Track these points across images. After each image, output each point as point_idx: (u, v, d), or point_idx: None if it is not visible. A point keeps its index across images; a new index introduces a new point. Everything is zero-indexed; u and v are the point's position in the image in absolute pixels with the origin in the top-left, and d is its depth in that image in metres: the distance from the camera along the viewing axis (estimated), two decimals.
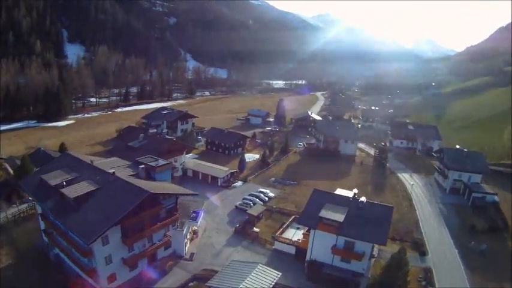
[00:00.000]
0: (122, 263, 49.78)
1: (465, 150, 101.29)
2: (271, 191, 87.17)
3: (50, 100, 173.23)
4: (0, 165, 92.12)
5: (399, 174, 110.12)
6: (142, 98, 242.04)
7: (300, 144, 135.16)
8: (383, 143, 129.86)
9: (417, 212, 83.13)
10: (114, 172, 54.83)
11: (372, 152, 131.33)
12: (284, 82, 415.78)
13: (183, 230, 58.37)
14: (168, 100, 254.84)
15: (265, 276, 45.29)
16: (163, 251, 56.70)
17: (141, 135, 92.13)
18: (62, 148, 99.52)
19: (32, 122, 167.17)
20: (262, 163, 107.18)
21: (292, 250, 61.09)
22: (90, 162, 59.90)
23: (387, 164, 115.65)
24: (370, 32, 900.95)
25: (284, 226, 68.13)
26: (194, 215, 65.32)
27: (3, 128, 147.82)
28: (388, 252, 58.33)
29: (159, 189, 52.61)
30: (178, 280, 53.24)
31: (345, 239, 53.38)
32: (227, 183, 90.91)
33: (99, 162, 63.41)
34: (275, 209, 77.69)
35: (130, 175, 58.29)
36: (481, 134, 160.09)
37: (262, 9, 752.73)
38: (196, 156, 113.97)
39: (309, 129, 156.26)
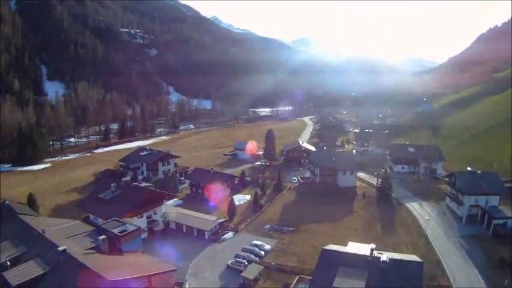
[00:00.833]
0: None
1: (478, 172, 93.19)
2: (267, 242, 74.60)
3: (24, 142, 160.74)
4: None
5: (407, 204, 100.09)
6: (123, 135, 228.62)
7: (294, 179, 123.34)
8: (384, 170, 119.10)
9: (436, 250, 73.04)
10: (65, 250, 42.44)
11: (372, 180, 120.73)
12: (270, 109, 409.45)
13: None
14: (151, 137, 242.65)
15: None
16: None
17: (113, 184, 79.35)
18: (30, 199, 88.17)
19: (7, 166, 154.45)
20: (255, 206, 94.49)
21: None
22: (41, 232, 48.64)
23: (392, 194, 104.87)
24: (350, 52, 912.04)
25: None
26: None
27: None
28: None
29: (122, 273, 40.18)
30: None
31: None
32: (216, 235, 78.05)
33: (55, 228, 52.56)
34: (274, 266, 65.27)
35: (89, 248, 46.38)
36: (483, 148, 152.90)
37: (243, 36, 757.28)
38: (180, 202, 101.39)
39: (302, 160, 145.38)
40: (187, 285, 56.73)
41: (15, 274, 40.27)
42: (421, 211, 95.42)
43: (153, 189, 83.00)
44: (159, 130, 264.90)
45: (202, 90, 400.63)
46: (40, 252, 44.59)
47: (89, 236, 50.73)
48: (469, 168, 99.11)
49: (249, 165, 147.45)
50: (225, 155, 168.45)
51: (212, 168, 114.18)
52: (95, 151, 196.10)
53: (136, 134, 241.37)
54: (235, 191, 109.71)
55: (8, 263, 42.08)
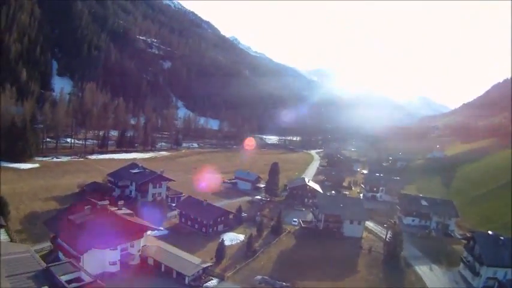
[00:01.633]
0: None
1: (501, 238, 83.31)
2: None
3: (16, 137, 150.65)
4: None
5: (417, 268, 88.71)
6: (121, 145, 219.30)
7: (294, 221, 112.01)
8: (393, 221, 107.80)
9: None
10: None
11: (379, 230, 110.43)
12: (278, 138, 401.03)
13: None
14: (151, 150, 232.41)
15: None
16: None
17: (87, 207, 68.76)
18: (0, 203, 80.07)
19: None
20: (247, 249, 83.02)
21: None
22: None
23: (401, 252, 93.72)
24: (362, 86, 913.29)
25: None
26: None
27: None
28: None
29: None
30: None
31: None
32: (198, 281, 66.68)
33: None
34: None
35: None
36: (501, 207, 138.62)
37: (259, 60, 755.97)
38: (166, 232, 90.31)
39: (305, 199, 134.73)
40: None
41: None
42: (432, 277, 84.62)
43: (135, 218, 72.20)
44: (160, 144, 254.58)
45: (211, 108, 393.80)
46: None
47: (33, 278, 40.39)
48: (490, 232, 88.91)
49: (249, 198, 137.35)
50: (224, 182, 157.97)
51: (206, 200, 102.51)
52: (89, 157, 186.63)
53: (136, 145, 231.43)
54: (228, 227, 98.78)
55: None
